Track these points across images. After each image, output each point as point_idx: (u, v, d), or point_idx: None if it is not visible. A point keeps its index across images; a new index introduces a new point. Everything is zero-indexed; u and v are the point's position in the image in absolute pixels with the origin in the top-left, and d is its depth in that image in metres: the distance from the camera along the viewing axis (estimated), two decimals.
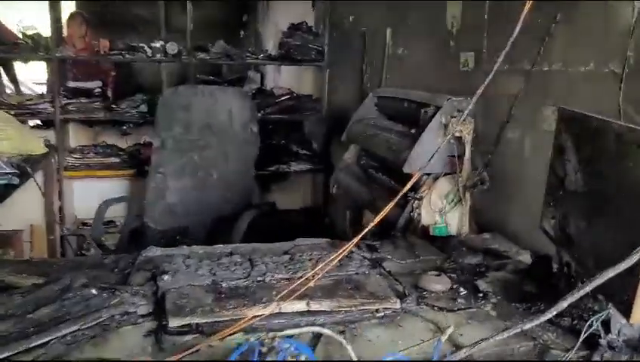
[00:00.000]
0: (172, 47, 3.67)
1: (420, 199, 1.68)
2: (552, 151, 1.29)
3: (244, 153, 2.90)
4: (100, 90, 3.60)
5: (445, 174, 1.69)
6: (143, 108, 3.76)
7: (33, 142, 2.48)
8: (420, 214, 1.68)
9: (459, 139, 1.65)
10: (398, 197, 1.37)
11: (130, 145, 4.00)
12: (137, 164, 3.81)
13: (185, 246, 1.47)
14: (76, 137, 3.95)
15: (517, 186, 1.63)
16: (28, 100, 3.53)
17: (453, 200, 1.63)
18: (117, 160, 3.74)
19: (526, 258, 1.36)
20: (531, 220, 1.57)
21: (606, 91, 1.38)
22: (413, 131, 1.84)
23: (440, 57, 2.20)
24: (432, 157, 1.44)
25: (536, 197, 1.57)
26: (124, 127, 4.02)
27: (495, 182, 1.67)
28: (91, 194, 3.97)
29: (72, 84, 3.59)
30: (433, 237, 1.66)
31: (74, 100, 3.52)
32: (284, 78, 5.83)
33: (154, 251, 1.42)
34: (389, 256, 1.33)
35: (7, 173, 1.96)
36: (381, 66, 2.80)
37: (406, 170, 1.69)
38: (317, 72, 4.25)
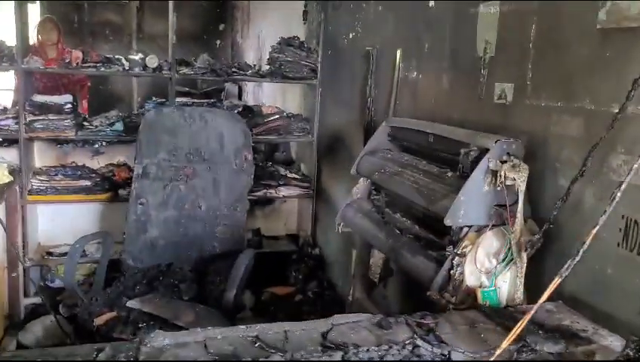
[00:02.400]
0: (152, 61, 3.36)
1: (463, 256, 1.43)
2: None
3: (236, 183, 2.62)
4: (70, 105, 3.25)
5: (492, 227, 1.45)
6: (119, 126, 3.42)
7: None
8: (462, 273, 1.43)
9: (509, 188, 1.41)
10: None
11: (102, 165, 3.65)
12: (111, 187, 3.47)
13: (199, 330, 1.16)
14: (42, 157, 3.58)
15: (576, 245, 1.39)
16: None
17: (504, 260, 1.39)
18: (88, 183, 3.38)
19: (614, 343, 1.13)
20: (601, 287, 1.35)
21: None
22: (449, 175, 1.60)
23: (467, 86, 1.97)
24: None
25: (603, 259, 1.34)
26: (96, 146, 3.68)
27: (548, 240, 1.44)
28: (58, 221, 3.62)
29: (39, 98, 3.23)
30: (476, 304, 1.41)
31: (41, 117, 3.16)
32: (267, 93, 5.56)
33: (161, 340, 1.12)
34: (456, 348, 1.07)
35: None
36: (389, 91, 2.55)
37: (448, 222, 1.44)
38: (305, 89, 4.00)
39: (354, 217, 2.19)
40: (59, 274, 3.31)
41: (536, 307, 1.07)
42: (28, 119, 3.13)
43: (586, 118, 1.42)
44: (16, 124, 3.13)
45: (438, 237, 1.67)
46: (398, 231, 1.82)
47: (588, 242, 1.06)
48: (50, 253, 3.41)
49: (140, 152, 2.56)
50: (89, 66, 3.22)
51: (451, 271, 1.47)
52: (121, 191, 3.48)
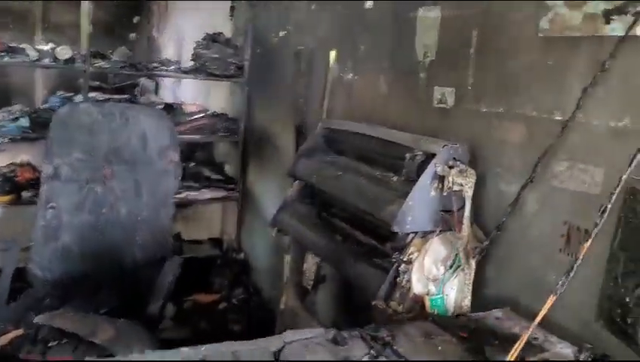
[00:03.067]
0: (64, 52, 3.09)
1: (409, 263, 1.39)
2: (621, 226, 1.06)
3: (160, 185, 2.44)
4: None
5: (439, 233, 1.42)
6: (24, 122, 3.13)
7: None
8: (409, 281, 1.38)
9: (455, 193, 1.39)
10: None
11: (2, 165, 3.32)
12: (13, 189, 3.16)
13: (135, 355, 1.03)
14: None
15: (520, 251, 1.40)
16: None
17: (452, 267, 1.36)
18: None
19: (565, 349, 1.12)
20: (544, 293, 1.35)
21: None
22: (395, 179, 1.56)
23: (405, 89, 1.95)
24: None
25: (546, 265, 1.35)
26: None
27: (492, 246, 1.43)
28: None
29: None
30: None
31: None
32: (187, 91, 5.33)
33: None
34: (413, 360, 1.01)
35: None
36: (322, 92, 2.49)
37: (395, 229, 1.39)
38: (232, 87, 3.86)
39: (289, 221, 2.11)
40: None
41: (534, 324, 1.04)
42: None
43: (528, 125, 1.43)
44: None
45: (381, 243, 1.63)
46: (339, 237, 1.76)
47: (582, 257, 1.04)
48: None
49: (50, 151, 2.31)
50: None
51: (397, 279, 1.42)
52: (25, 194, 3.19)
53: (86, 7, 3.15)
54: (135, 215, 2.39)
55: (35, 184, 3.23)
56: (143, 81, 5.95)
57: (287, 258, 2.33)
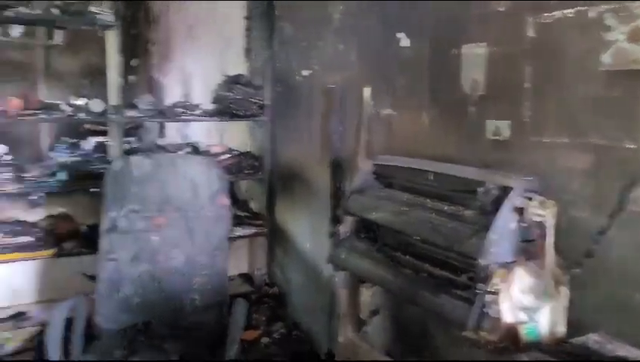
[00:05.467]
0: (97, 105, 3.17)
1: (496, 293, 1.47)
2: None
3: (213, 229, 2.51)
4: (8, 156, 2.98)
5: (520, 262, 1.51)
6: (62, 176, 3.18)
7: None
8: (499, 311, 1.46)
9: (538, 223, 1.48)
10: None
11: (41, 218, 3.37)
12: (54, 241, 3.20)
13: None
14: None
15: (601, 275, 1.48)
16: None
17: (542, 295, 1.44)
18: (31, 238, 3.10)
19: None
20: (627, 316, 1.43)
21: None
22: (468, 213, 1.64)
23: (452, 123, 2.05)
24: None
25: (629, 287, 1.44)
26: (34, 198, 3.38)
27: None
28: None
29: None
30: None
31: None
32: (197, 130, 5.40)
33: None
34: None
35: None
36: (357, 128, 2.59)
37: (481, 261, 1.48)
38: (251, 126, 3.95)
39: (347, 257, 2.18)
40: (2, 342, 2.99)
41: None
42: None
43: (596, 153, 1.52)
44: None
45: (455, 275, 1.70)
46: (408, 271, 1.84)
47: None
48: None
49: (106, 206, 2.39)
50: (29, 114, 2.98)
51: (484, 309, 1.50)
52: (66, 245, 3.23)
53: (115, 58, 3.24)
54: (191, 260, 2.46)
55: (74, 235, 3.29)
56: (147, 123, 6.03)
57: (343, 292, 2.40)
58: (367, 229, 2.19)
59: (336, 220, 2.74)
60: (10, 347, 3.09)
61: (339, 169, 2.85)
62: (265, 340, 3.40)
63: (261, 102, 3.60)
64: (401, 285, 1.85)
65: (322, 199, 3.00)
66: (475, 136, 1.94)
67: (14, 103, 2.91)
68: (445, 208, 1.75)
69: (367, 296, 2.37)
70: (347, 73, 2.77)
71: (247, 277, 4.08)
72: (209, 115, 3.58)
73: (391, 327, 2.45)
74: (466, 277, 1.66)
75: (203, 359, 2.15)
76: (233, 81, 3.61)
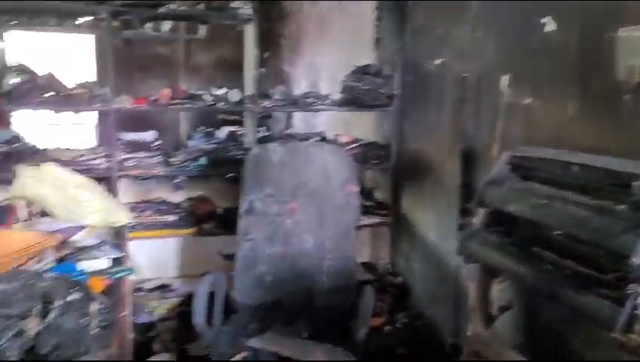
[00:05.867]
0: (235, 95, 3.38)
1: None
2: None
3: (343, 216, 2.58)
4: (157, 142, 3.29)
5: None
6: (203, 161, 3.44)
7: (118, 211, 2.15)
8: None
9: None
10: None
11: (183, 200, 3.66)
12: (194, 221, 3.48)
13: None
14: (125, 193, 3.60)
15: None
16: (80, 156, 3.19)
17: None
18: (174, 218, 3.39)
19: None
20: None
21: None
22: (621, 208, 1.53)
23: (603, 112, 1.92)
24: None
25: None
26: (177, 181, 3.68)
27: None
28: (143, 257, 3.61)
29: (128, 135, 3.27)
30: None
31: (132, 155, 3.20)
32: (323, 120, 5.54)
33: None
34: None
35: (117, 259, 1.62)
36: (493, 118, 2.50)
37: (638, 260, 1.37)
38: (378, 116, 3.97)
39: (479, 249, 2.13)
40: (151, 309, 3.32)
41: None
42: (120, 157, 3.17)
43: None
44: (108, 162, 3.17)
45: (600, 273, 1.60)
46: (548, 266, 1.76)
47: None
48: (139, 289, 3.42)
49: (245, 188, 2.55)
50: (176, 103, 3.26)
51: (636, 311, 1.39)
52: (205, 226, 3.49)
53: (254, 52, 3.42)
54: (321, 244, 2.55)
55: (211, 217, 3.55)
56: (275, 113, 6.29)
57: (473, 285, 2.35)
58: (500, 222, 2.12)
59: (465, 212, 2.69)
60: (157, 314, 3.42)
61: (470, 160, 2.78)
62: (388, 328, 3.43)
63: (390, 92, 3.60)
64: (539, 281, 1.77)
65: (450, 190, 2.95)
66: (629, 126, 1.80)
67: (165, 93, 3.20)
68: (591, 202, 1.64)
69: (497, 290, 2.30)
70: (483, 61, 2.69)
71: (369, 266, 4.13)
72: (338, 104, 3.65)
73: (523, 324, 2.36)
74: (613, 275, 1.56)
75: (331, 339, 2.22)
76: (362, 72, 3.64)
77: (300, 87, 6.17)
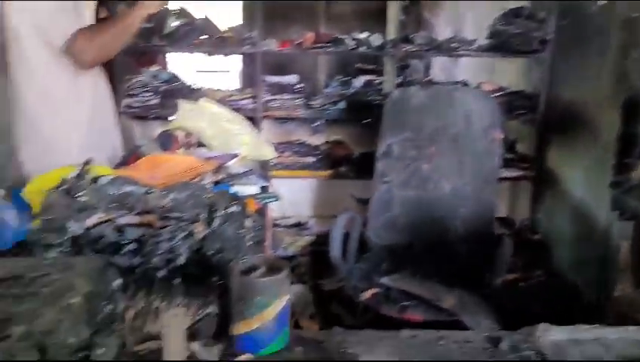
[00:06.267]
0: (376, 39, 3.36)
1: None
2: None
3: (482, 164, 2.49)
4: (300, 85, 3.40)
5: None
6: (342, 105, 3.50)
7: (263, 146, 2.28)
8: None
9: None
10: None
11: (321, 143, 3.78)
12: (331, 164, 3.58)
13: (586, 327, 1.08)
14: (268, 133, 3.80)
15: None
16: (229, 96, 3.41)
17: None
18: (312, 159, 3.52)
19: None
20: None
21: None
22: None
23: None
24: None
25: None
26: (316, 124, 3.80)
27: None
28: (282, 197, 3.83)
29: (272, 78, 3.42)
30: None
31: (276, 96, 3.35)
32: (465, 69, 5.31)
33: (554, 334, 1.04)
34: None
35: (264, 187, 1.74)
36: None
37: None
38: (523, 62, 3.72)
39: (638, 205, 1.95)
40: (286, 245, 3.53)
41: None
42: (264, 99, 3.34)
43: None
44: (254, 103, 3.35)
45: None
46: None
47: None
48: (276, 225, 3.64)
49: (384, 132, 2.56)
50: (319, 47, 3.32)
51: None
52: (341, 169, 3.58)
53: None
54: (458, 191, 2.50)
55: (347, 161, 3.63)
56: (414, 62, 6.14)
57: (626, 244, 2.17)
58: None
59: (622, 166, 2.46)
60: (291, 250, 3.63)
61: (635, 110, 2.52)
62: (522, 285, 3.31)
63: (543, 37, 3.34)
64: None
65: (604, 144, 2.71)
66: None
67: (309, 37, 3.27)
68: None
69: None
70: None
71: (507, 222, 3.98)
72: (484, 50, 3.48)
73: None
74: None
75: (462, 286, 2.20)
76: (513, 15, 3.41)
77: (442, 34, 5.95)
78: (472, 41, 3.49)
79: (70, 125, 2.09)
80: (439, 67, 6.10)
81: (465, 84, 3.74)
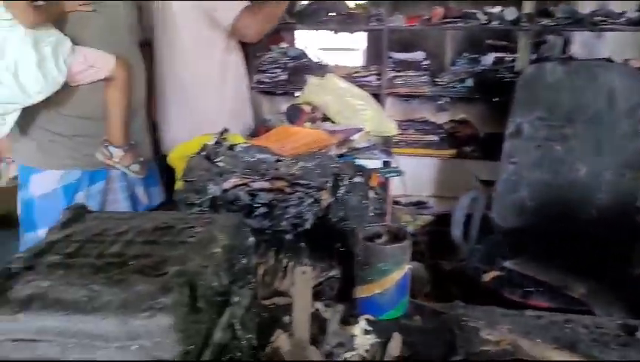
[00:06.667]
0: (511, 13, 3.19)
1: None
2: None
3: (625, 148, 2.29)
4: (426, 62, 3.35)
5: None
6: (469, 82, 3.39)
7: (387, 122, 2.29)
8: None
9: None
10: None
11: (445, 121, 3.69)
12: (455, 144, 3.49)
13: None
14: (391, 110, 3.78)
15: None
16: (355, 73, 3.45)
17: None
18: (436, 138, 3.47)
19: None
20: None
21: None
22: None
23: None
24: None
25: None
26: (441, 102, 3.71)
27: None
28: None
29: (398, 55, 3.40)
30: None
31: (401, 73, 3.33)
32: (610, 45, 4.85)
33: None
34: None
35: (386, 162, 1.76)
36: None
37: None
38: None
39: None
40: (405, 223, 3.52)
41: None
42: (389, 75, 3.32)
43: None
44: (378, 80, 3.36)
45: None
46: None
47: None
48: (396, 203, 3.64)
49: (514, 110, 2.44)
50: (448, 22, 3.23)
51: None
52: (465, 148, 3.48)
53: None
54: (596, 175, 2.33)
55: (473, 140, 3.52)
56: (550, 37, 5.71)
57: None
58: None
59: None
60: (410, 229, 3.61)
61: None
62: None
63: None
64: None
65: None
66: None
67: (438, 12, 3.19)
68: None
69: None
70: None
71: None
72: (633, 24, 3.16)
73: None
74: None
75: (593, 277, 2.06)
76: None
77: (585, 7, 5.47)
78: (619, 14, 3.19)
79: (219, 101, 2.29)
80: (580, 43, 5.63)
81: (609, 60, 3.43)
